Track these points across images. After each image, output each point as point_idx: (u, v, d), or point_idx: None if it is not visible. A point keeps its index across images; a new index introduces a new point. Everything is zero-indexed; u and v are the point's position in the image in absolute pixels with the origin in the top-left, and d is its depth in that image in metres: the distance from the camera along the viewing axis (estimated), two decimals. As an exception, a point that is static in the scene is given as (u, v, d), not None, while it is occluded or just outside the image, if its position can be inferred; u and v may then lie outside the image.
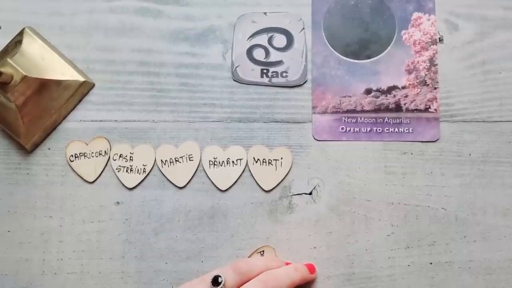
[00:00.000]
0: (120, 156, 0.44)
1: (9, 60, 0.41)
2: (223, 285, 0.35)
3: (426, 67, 0.45)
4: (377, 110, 0.44)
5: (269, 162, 0.44)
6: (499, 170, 0.43)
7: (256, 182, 0.43)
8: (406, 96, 0.44)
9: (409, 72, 0.45)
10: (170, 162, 0.44)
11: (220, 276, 0.36)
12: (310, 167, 0.44)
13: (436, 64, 0.45)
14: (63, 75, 0.43)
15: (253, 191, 0.43)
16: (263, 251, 0.42)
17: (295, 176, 0.44)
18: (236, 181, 0.43)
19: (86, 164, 0.44)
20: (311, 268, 0.41)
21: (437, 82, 0.44)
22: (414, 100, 0.44)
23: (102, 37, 0.45)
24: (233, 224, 0.43)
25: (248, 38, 0.45)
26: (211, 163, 0.44)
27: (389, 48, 0.45)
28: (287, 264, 0.41)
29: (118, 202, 0.43)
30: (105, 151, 0.44)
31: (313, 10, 0.46)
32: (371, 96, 0.44)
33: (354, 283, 0.42)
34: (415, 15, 0.45)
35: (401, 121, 0.44)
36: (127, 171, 0.44)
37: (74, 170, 0.44)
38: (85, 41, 0.45)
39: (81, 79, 0.44)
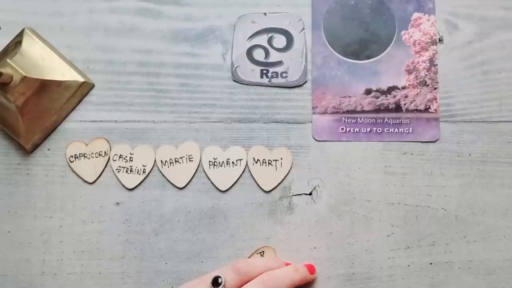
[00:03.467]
0: (120, 157, 0.44)
1: (9, 60, 0.41)
2: (223, 285, 0.35)
3: (426, 67, 0.45)
4: (377, 110, 0.44)
5: (269, 163, 0.44)
6: (499, 170, 0.43)
7: (256, 182, 0.43)
8: (406, 97, 0.44)
9: (409, 72, 0.45)
10: (170, 163, 0.44)
11: (220, 277, 0.36)
12: (310, 167, 0.44)
13: (436, 64, 0.45)
14: (63, 76, 0.43)
15: (253, 191, 0.43)
16: (263, 251, 0.42)
17: (295, 176, 0.44)
18: (236, 182, 0.43)
19: (86, 164, 0.44)
20: (311, 269, 0.41)
21: (437, 82, 0.45)
22: (414, 100, 0.44)
23: (102, 37, 0.45)
24: (233, 224, 0.43)
25: (248, 39, 0.45)
26: (211, 163, 0.44)
27: (389, 48, 0.45)
28: (287, 264, 0.41)
29: (118, 203, 0.43)
30: (105, 152, 0.44)
31: (313, 10, 0.46)
32: (371, 96, 0.44)
33: (354, 283, 0.42)
34: (415, 15, 0.45)
35: (401, 121, 0.44)
36: (127, 171, 0.44)
37: (74, 171, 0.44)
38: (85, 41, 0.45)
39: (81, 79, 0.44)
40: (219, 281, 0.35)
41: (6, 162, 0.44)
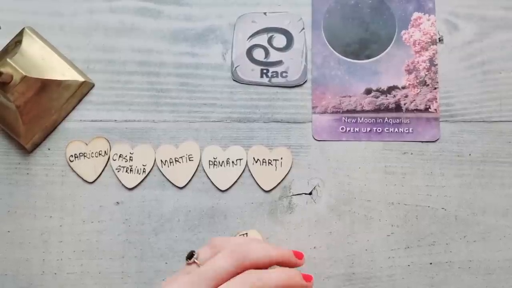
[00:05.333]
0: (120, 156, 0.44)
1: (9, 60, 0.41)
2: (196, 258, 0.34)
3: (426, 67, 0.45)
4: (377, 110, 0.44)
5: (269, 162, 0.43)
6: (499, 170, 0.43)
7: (256, 182, 0.43)
8: (406, 96, 0.44)
9: (409, 72, 0.45)
10: (170, 162, 0.44)
11: (194, 251, 0.35)
12: (310, 167, 0.44)
13: (436, 64, 0.45)
14: (63, 75, 0.43)
15: (253, 191, 0.43)
16: (246, 233, 0.41)
17: (295, 176, 0.44)
18: (236, 181, 0.43)
19: (86, 164, 0.44)
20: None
21: (437, 82, 0.45)
22: (414, 100, 0.44)
23: (102, 37, 0.45)
24: (233, 224, 0.43)
25: (248, 38, 0.45)
26: (211, 163, 0.44)
27: (389, 48, 0.45)
28: (275, 248, 0.35)
29: (118, 202, 0.43)
30: (105, 151, 0.44)
31: (313, 10, 0.46)
32: (371, 96, 0.44)
33: (354, 283, 0.42)
34: (415, 15, 0.45)
35: (401, 121, 0.44)
36: (127, 171, 0.44)
37: (74, 170, 0.44)
38: (85, 41, 0.45)
39: (81, 79, 0.44)
40: (193, 254, 0.34)
41: (6, 161, 0.44)
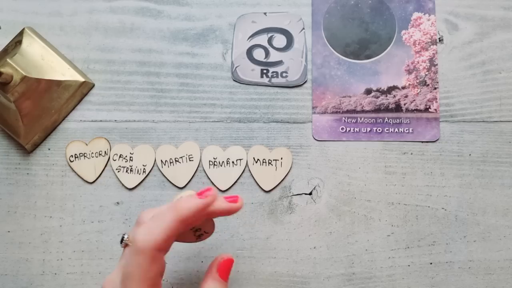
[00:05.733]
0: (120, 156, 0.44)
1: (9, 60, 0.41)
2: (126, 239, 0.34)
3: (426, 67, 0.45)
4: (377, 110, 0.44)
5: (269, 162, 0.44)
6: (499, 170, 0.43)
7: (256, 182, 0.43)
8: (406, 96, 0.44)
9: (409, 72, 0.45)
10: (170, 162, 0.44)
11: (125, 234, 0.34)
12: (310, 167, 0.44)
13: (436, 64, 0.45)
14: (63, 75, 0.43)
15: (253, 191, 0.43)
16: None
17: (295, 176, 0.44)
18: (236, 181, 0.43)
19: (86, 164, 0.44)
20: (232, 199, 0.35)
21: (437, 82, 0.45)
22: (414, 100, 0.44)
23: (102, 37, 0.45)
24: (233, 224, 0.43)
25: (248, 38, 0.45)
26: (211, 163, 0.44)
27: (389, 48, 0.45)
28: (200, 202, 0.33)
29: (118, 202, 0.43)
30: (105, 151, 0.44)
31: (313, 10, 0.46)
32: (371, 96, 0.44)
33: (354, 283, 0.42)
34: (415, 15, 0.45)
35: (401, 121, 0.44)
36: (127, 171, 0.44)
37: (74, 170, 0.44)
38: (85, 41, 0.45)
39: (81, 79, 0.44)
40: (123, 237, 0.34)
41: (6, 161, 0.44)
